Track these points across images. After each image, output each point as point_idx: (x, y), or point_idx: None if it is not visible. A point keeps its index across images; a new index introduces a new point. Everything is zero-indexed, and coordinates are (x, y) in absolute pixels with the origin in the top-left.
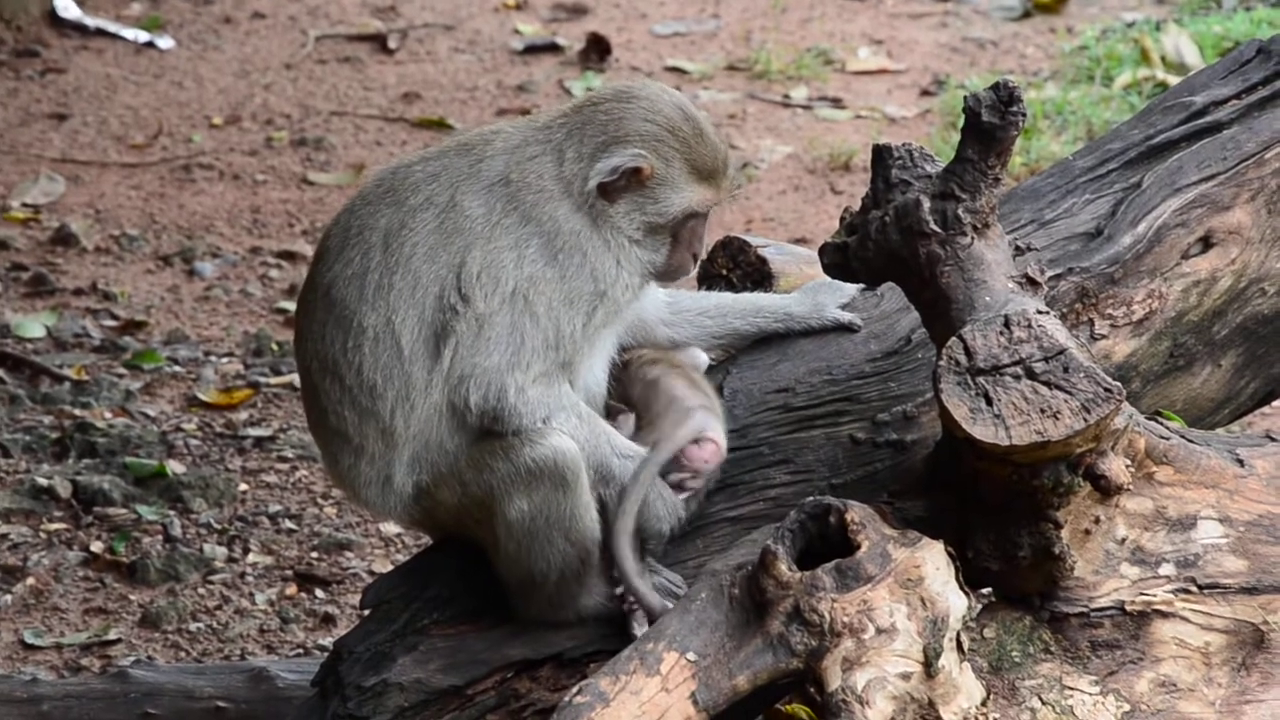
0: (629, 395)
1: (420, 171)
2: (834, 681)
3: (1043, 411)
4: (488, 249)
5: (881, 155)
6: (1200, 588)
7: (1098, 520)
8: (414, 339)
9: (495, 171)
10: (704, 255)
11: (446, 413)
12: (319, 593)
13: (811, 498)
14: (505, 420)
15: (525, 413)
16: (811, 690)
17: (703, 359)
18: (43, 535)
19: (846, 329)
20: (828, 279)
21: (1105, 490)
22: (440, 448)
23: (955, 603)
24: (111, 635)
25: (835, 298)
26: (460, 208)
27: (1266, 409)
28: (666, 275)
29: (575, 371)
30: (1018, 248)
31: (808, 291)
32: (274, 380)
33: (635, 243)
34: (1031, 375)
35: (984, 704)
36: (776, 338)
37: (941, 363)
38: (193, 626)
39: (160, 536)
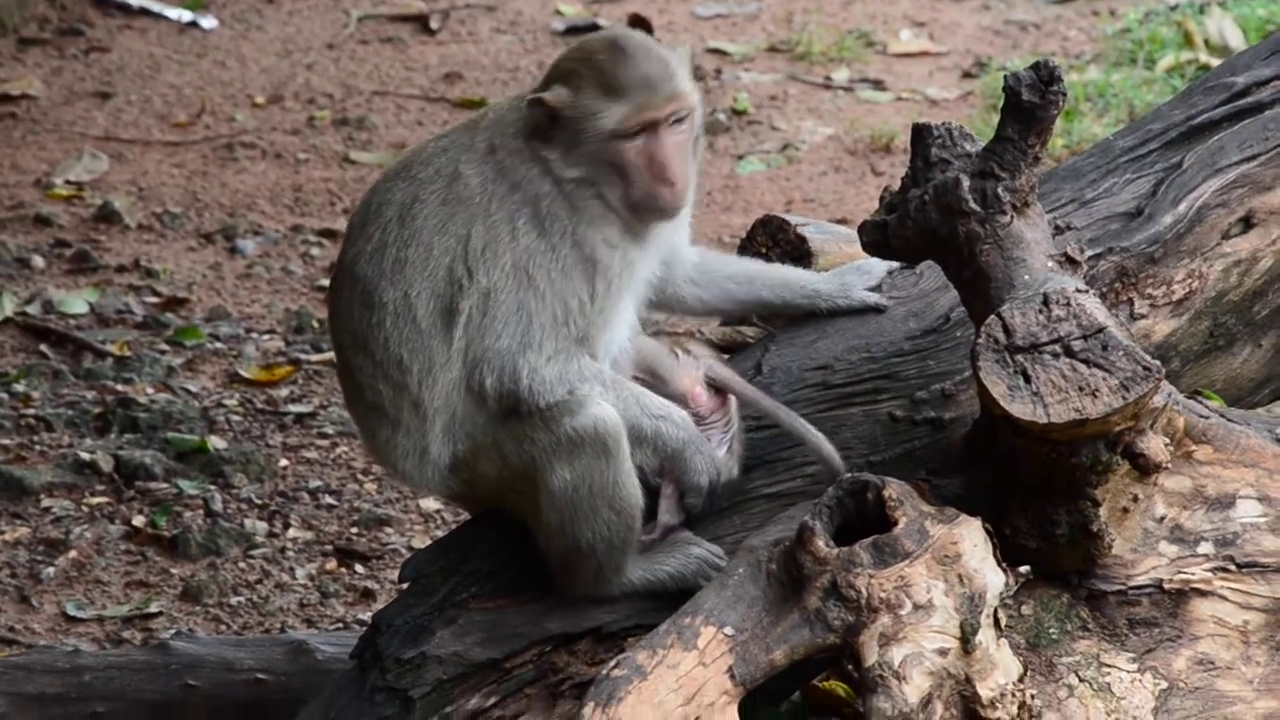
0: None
1: (432, 147)
2: (871, 657)
3: (1081, 389)
4: (487, 222)
5: (921, 134)
6: (1239, 566)
7: (1136, 499)
8: (429, 312)
9: (485, 143)
10: (685, 185)
11: (464, 389)
12: (358, 568)
13: (849, 474)
14: (524, 401)
15: (543, 392)
16: (848, 666)
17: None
18: (85, 509)
19: (874, 310)
20: (857, 263)
21: (1144, 469)
22: (470, 419)
23: (993, 579)
24: (153, 608)
25: (863, 279)
26: (462, 178)
27: None
28: (641, 212)
29: (595, 345)
30: (1057, 227)
31: (837, 273)
32: (314, 357)
33: (582, 183)
34: (1070, 353)
35: (1021, 680)
36: (814, 316)
37: (980, 340)
38: (233, 600)
39: (201, 511)
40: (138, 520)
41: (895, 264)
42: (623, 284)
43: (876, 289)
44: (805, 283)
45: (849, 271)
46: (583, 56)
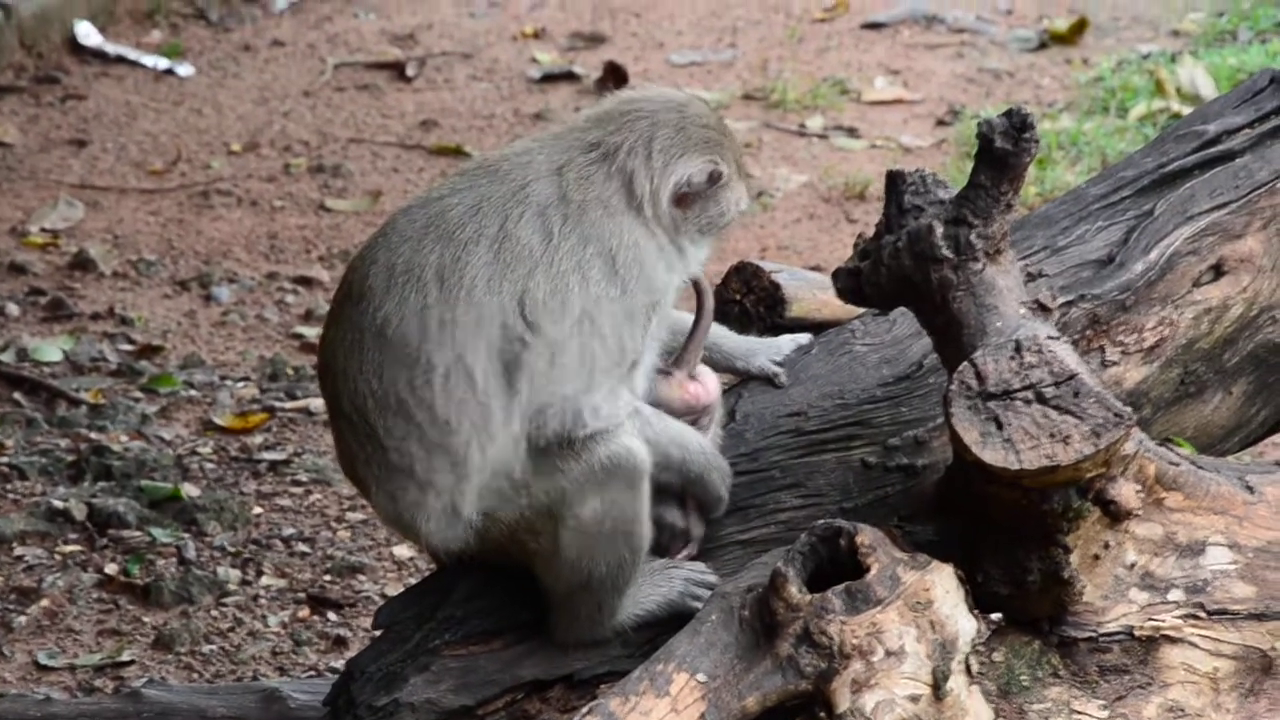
0: None
1: (459, 205)
2: (843, 704)
3: (1053, 436)
4: (550, 274)
5: (895, 181)
6: (1209, 613)
7: (1107, 545)
8: (487, 373)
9: (547, 194)
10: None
11: (524, 441)
12: (331, 615)
13: (822, 520)
14: (577, 437)
15: (597, 428)
16: (820, 713)
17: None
18: (57, 557)
19: (769, 381)
20: (774, 339)
21: (1115, 515)
22: (509, 473)
23: (964, 626)
24: (125, 657)
25: (770, 352)
26: (514, 237)
27: (1277, 437)
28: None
29: (634, 378)
30: (1030, 274)
31: (750, 342)
32: (289, 405)
33: (694, 244)
34: (1042, 400)
35: None
36: (789, 363)
37: (952, 387)
38: (206, 648)
39: (174, 559)
40: (110, 568)
41: (804, 341)
42: (663, 320)
43: (780, 364)
44: (722, 343)
45: (761, 344)
46: (718, 129)
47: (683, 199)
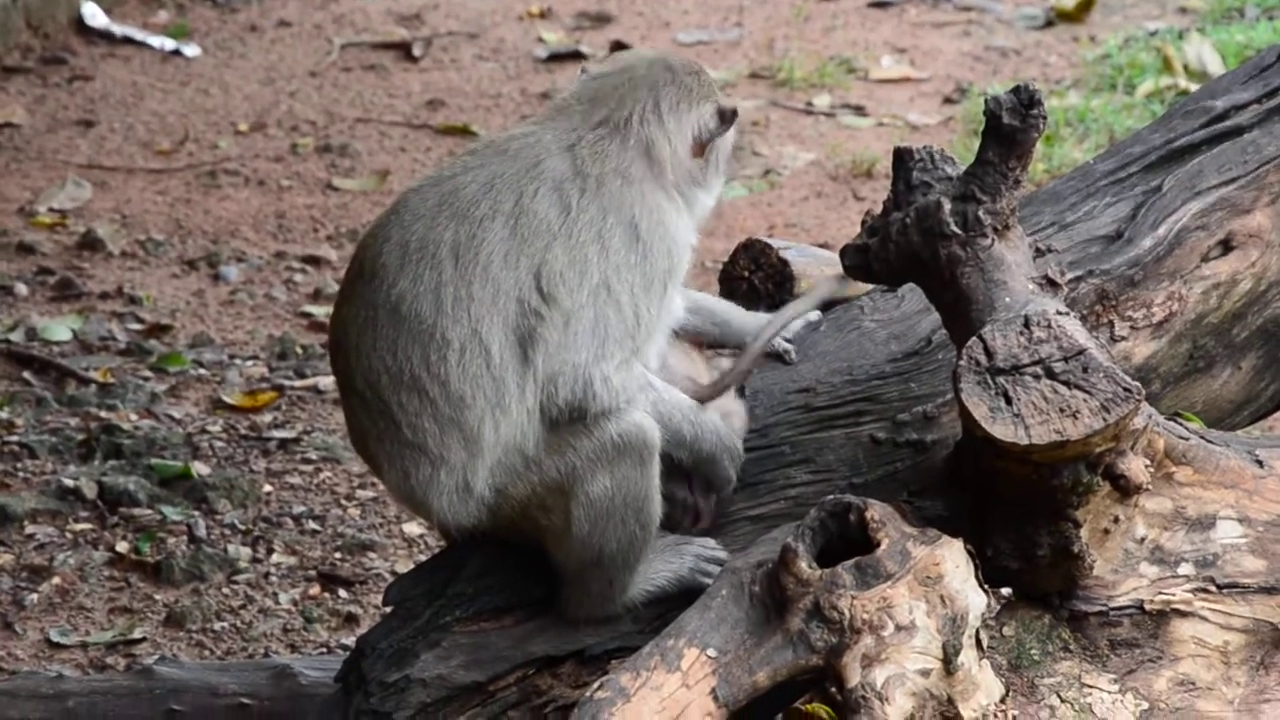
0: None
1: (472, 183)
2: (853, 678)
3: (1062, 411)
4: (568, 245)
5: (902, 158)
6: (1219, 587)
7: (1117, 520)
8: (502, 347)
9: (562, 169)
10: None
11: (537, 414)
12: (342, 593)
13: (832, 496)
14: (589, 410)
15: (609, 401)
16: (831, 687)
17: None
18: (69, 535)
19: (779, 358)
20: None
21: (1124, 490)
22: (520, 449)
23: (974, 600)
24: (136, 634)
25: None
26: (531, 211)
27: None
28: (705, 218)
29: (647, 352)
30: (1038, 250)
31: (759, 317)
32: (298, 383)
33: (708, 189)
34: (1051, 375)
35: (1003, 701)
36: (798, 339)
37: (961, 362)
38: (217, 626)
39: (185, 537)
40: (121, 546)
41: (813, 317)
42: (679, 287)
43: (789, 340)
44: (731, 320)
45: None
46: (704, 73)
47: (699, 148)
